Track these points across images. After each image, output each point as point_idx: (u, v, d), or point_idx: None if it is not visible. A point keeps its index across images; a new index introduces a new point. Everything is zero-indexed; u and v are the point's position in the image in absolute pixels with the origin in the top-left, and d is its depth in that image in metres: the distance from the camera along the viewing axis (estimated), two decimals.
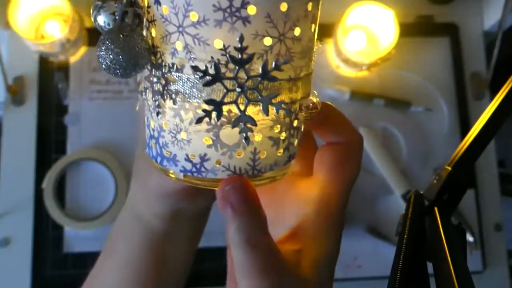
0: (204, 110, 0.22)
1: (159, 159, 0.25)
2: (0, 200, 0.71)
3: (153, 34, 0.24)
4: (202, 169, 0.24)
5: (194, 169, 0.24)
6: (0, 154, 0.73)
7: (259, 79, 0.22)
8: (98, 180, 0.73)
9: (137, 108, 0.26)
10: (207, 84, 0.22)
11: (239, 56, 0.22)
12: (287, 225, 0.27)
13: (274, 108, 0.23)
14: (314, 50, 0.26)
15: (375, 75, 0.79)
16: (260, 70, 0.22)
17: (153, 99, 0.24)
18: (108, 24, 0.24)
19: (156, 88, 0.24)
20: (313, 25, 0.25)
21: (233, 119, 0.23)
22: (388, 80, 0.79)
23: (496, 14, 0.78)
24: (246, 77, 0.22)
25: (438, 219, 0.29)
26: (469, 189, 0.77)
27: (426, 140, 0.78)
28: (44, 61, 0.76)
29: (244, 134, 0.23)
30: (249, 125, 0.23)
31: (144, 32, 0.25)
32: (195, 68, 0.22)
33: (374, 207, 0.75)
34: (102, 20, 0.25)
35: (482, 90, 0.80)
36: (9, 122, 0.74)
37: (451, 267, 0.24)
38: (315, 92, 0.27)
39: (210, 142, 0.23)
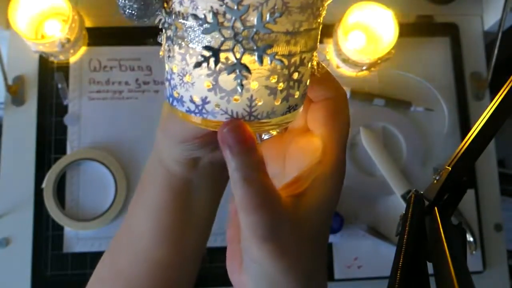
0: (203, 56, 0.24)
1: (171, 99, 0.27)
2: (0, 200, 0.71)
3: None
4: (203, 110, 0.26)
5: (196, 110, 0.26)
6: (0, 154, 0.73)
7: (254, 30, 0.24)
8: (98, 180, 0.73)
9: (161, 52, 0.28)
10: (206, 31, 0.24)
11: (235, 7, 0.23)
12: (292, 175, 0.29)
13: (268, 58, 0.24)
14: (322, 6, 0.27)
15: (375, 75, 0.79)
16: (255, 22, 0.24)
17: (166, 43, 0.27)
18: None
19: (168, 34, 0.26)
20: None
21: (229, 66, 0.24)
22: (388, 80, 0.79)
23: (496, 14, 0.78)
24: (242, 28, 0.24)
25: (438, 219, 0.29)
26: (469, 189, 0.77)
27: (426, 140, 0.78)
28: (44, 61, 0.76)
29: (239, 81, 0.24)
30: (244, 73, 0.24)
31: None
32: (195, 16, 0.24)
33: (374, 207, 0.75)
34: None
35: (482, 90, 0.80)
36: (9, 122, 0.74)
37: (451, 267, 0.24)
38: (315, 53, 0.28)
39: (210, 86, 0.25)
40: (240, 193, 0.25)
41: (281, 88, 0.26)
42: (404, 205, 0.33)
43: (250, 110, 0.26)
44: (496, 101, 0.29)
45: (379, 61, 0.75)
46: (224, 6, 0.23)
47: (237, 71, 0.24)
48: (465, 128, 0.79)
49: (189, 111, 0.26)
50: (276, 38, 0.24)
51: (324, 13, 0.27)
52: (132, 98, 0.76)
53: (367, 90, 0.78)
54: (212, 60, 0.24)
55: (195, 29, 0.24)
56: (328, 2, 0.27)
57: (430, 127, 0.79)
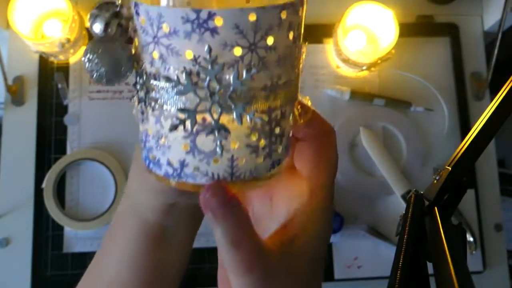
0: (178, 118, 0.23)
1: (147, 162, 0.26)
2: (0, 200, 0.71)
3: (136, 43, 0.25)
4: (182, 174, 0.25)
5: (175, 174, 0.25)
6: (0, 154, 0.73)
7: (231, 88, 0.23)
8: (98, 180, 0.73)
9: (134, 111, 0.27)
10: (180, 93, 0.23)
11: (209, 66, 0.22)
12: (278, 219, 0.29)
13: (248, 117, 0.23)
14: (302, 55, 0.26)
15: (375, 75, 0.79)
16: (231, 80, 0.23)
17: (139, 105, 0.26)
18: (102, 32, 0.25)
19: (140, 95, 0.25)
20: (291, 32, 0.24)
21: (207, 127, 0.23)
22: (388, 80, 0.79)
23: (496, 14, 0.78)
24: (218, 87, 0.23)
25: (438, 219, 0.29)
26: (469, 189, 0.77)
27: (426, 140, 0.78)
28: (44, 61, 0.76)
29: (218, 142, 0.23)
30: (223, 133, 0.23)
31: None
32: (167, 78, 0.23)
33: (374, 207, 0.75)
34: (98, 27, 0.25)
35: (482, 90, 0.80)
36: (9, 122, 0.74)
37: (451, 267, 0.23)
38: (307, 97, 0.27)
39: (188, 148, 0.24)
40: (228, 257, 0.25)
41: (263, 145, 0.25)
42: (404, 205, 0.33)
43: (232, 171, 0.24)
44: (496, 101, 0.29)
45: (379, 61, 0.75)
46: (197, 66, 0.22)
47: (216, 132, 0.23)
48: (465, 128, 0.79)
49: (167, 174, 0.25)
50: (254, 95, 0.23)
51: (303, 58, 0.26)
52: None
53: (367, 90, 0.78)
54: (188, 122, 0.23)
55: (169, 90, 0.23)
56: (305, 50, 0.26)
57: (430, 127, 0.79)
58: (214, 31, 0.22)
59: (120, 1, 0.25)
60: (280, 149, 0.26)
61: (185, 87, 0.23)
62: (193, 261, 0.62)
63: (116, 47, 0.24)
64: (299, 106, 0.27)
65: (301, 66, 0.26)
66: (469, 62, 0.81)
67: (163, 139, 0.25)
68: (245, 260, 0.24)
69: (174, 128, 0.23)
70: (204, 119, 0.23)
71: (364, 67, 0.77)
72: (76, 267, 0.70)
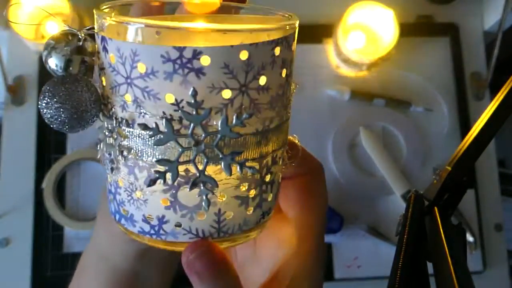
0: (157, 171, 0.20)
1: (117, 216, 0.23)
2: (0, 200, 0.71)
3: (104, 83, 0.21)
4: (161, 231, 0.22)
5: (152, 231, 0.22)
6: (0, 154, 0.73)
7: (219, 135, 0.20)
8: (98, 180, 0.73)
9: (99, 156, 0.23)
10: (159, 143, 0.20)
11: (194, 112, 0.19)
12: (265, 266, 0.26)
13: (238, 167, 0.20)
14: (291, 94, 0.23)
15: (375, 75, 0.79)
16: (219, 126, 0.20)
17: (107, 153, 0.22)
18: (61, 68, 0.21)
19: (109, 142, 0.22)
20: (284, 70, 0.22)
21: (191, 180, 0.20)
22: (388, 80, 0.79)
23: (496, 14, 0.77)
24: (203, 134, 0.20)
25: (438, 219, 0.29)
26: (469, 189, 0.76)
27: (426, 140, 0.78)
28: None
29: (204, 196, 0.21)
30: (209, 186, 0.20)
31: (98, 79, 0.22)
32: (144, 126, 0.20)
33: (374, 207, 0.75)
34: (53, 63, 0.21)
35: (482, 90, 0.80)
36: (9, 122, 0.74)
37: (451, 267, 0.23)
38: (295, 136, 0.25)
39: (168, 203, 0.21)
40: None
41: (253, 196, 0.22)
42: (404, 205, 0.33)
43: (219, 226, 0.22)
44: (496, 101, 0.29)
45: (379, 61, 0.75)
46: (180, 111, 0.19)
47: (201, 185, 0.20)
48: (465, 128, 0.79)
49: (142, 232, 0.22)
50: (245, 142, 0.21)
51: (292, 97, 0.24)
52: None
53: (367, 90, 0.78)
54: (169, 175, 0.20)
55: (145, 139, 0.20)
56: (295, 87, 0.24)
57: (430, 127, 0.79)
58: (199, 71, 0.19)
59: (83, 34, 0.21)
60: (270, 197, 0.23)
61: (165, 135, 0.19)
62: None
63: (80, 88, 0.20)
64: (287, 147, 0.24)
65: (290, 105, 0.24)
66: (469, 62, 0.81)
67: (138, 193, 0.21)
68: None
69: (152, 182, 0.20)
70: (187, 171, 0.20)
71: (364, 67, 0.77)
72: (76, 267, 0.70)
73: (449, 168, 0.30)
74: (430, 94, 0.79)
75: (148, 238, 0.22)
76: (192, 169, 0.20)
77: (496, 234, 0.76)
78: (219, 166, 0.20)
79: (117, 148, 0.21)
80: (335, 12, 0.75)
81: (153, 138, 0.20)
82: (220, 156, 0.20)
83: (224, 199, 0.21)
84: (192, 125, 0.20)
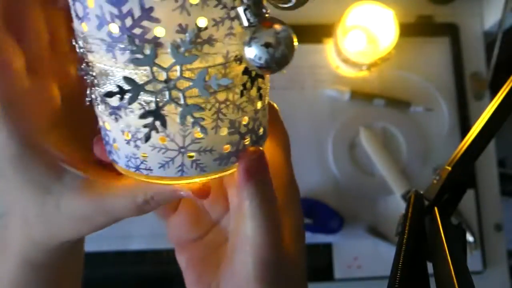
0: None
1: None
2: (0, 200, 0.71)
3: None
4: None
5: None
6: None
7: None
8: None
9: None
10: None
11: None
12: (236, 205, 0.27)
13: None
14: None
15: (375, 75, 0.79)
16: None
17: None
18: (260, 59, 0.20)
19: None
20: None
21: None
22: (388, 80, 0.79)
23: (496, 14, 0.78)
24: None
25: (438, 219, 0.29)
26: (469, 189, 0.77)
27: (426, 140, 0.78)
28: None
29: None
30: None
31: None
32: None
33: (374, 207, 0.75)
34: (253, 53, 0.20)
35: (482, 90, 0.80)
36: None
37: (451, 267, 0.23)
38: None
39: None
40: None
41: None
42: (404, 205, 0.33)
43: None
44: (496, 101, 0.29)
45: (379, 61, 0.75)
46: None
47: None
48: (465, 128, 0.79)
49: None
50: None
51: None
52: None
53: (367, 90, 0.78)
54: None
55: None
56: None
57: (430, 127, 0.79)
58: None
59: None
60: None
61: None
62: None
63: None
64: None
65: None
66: (469, 62, 0.81)
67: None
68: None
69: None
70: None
71: (364, 67, 0.77)
72: None
73: (449, 168, 0.30)
74: (430, 94, 0.79)
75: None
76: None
77: (496, 234, 0.76)
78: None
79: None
80: (335, 12, 0.75)
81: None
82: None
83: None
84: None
